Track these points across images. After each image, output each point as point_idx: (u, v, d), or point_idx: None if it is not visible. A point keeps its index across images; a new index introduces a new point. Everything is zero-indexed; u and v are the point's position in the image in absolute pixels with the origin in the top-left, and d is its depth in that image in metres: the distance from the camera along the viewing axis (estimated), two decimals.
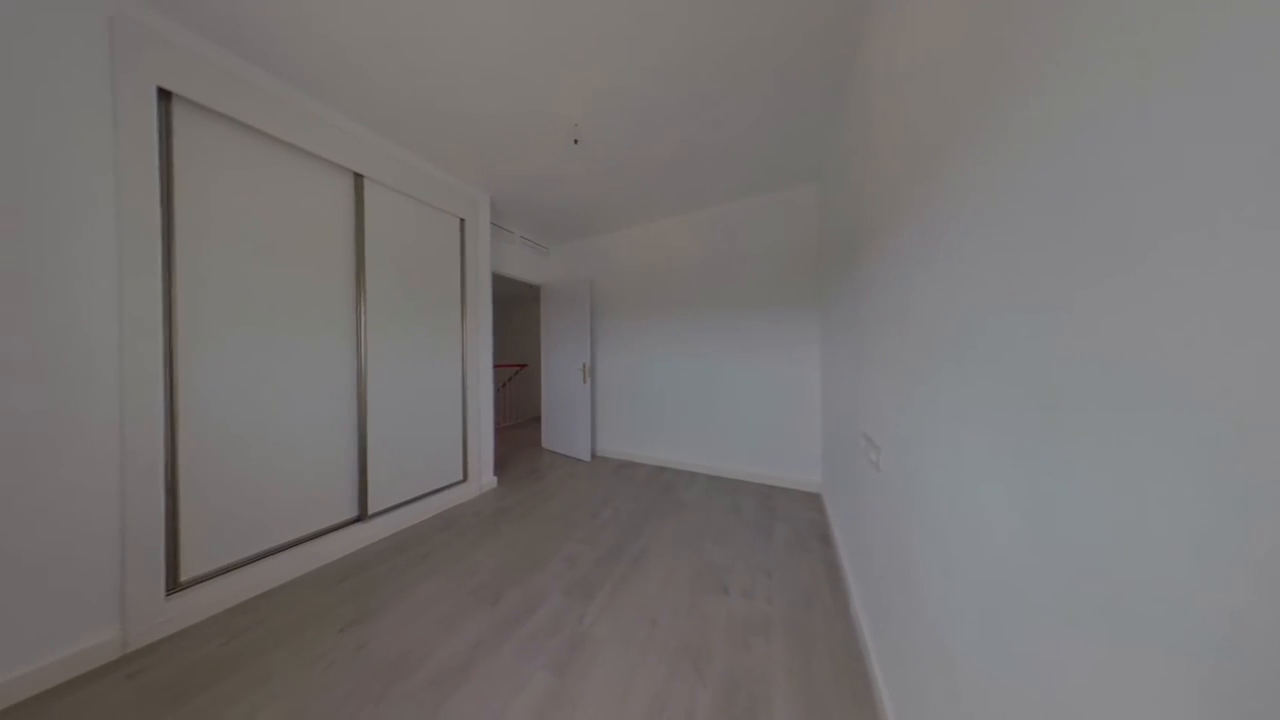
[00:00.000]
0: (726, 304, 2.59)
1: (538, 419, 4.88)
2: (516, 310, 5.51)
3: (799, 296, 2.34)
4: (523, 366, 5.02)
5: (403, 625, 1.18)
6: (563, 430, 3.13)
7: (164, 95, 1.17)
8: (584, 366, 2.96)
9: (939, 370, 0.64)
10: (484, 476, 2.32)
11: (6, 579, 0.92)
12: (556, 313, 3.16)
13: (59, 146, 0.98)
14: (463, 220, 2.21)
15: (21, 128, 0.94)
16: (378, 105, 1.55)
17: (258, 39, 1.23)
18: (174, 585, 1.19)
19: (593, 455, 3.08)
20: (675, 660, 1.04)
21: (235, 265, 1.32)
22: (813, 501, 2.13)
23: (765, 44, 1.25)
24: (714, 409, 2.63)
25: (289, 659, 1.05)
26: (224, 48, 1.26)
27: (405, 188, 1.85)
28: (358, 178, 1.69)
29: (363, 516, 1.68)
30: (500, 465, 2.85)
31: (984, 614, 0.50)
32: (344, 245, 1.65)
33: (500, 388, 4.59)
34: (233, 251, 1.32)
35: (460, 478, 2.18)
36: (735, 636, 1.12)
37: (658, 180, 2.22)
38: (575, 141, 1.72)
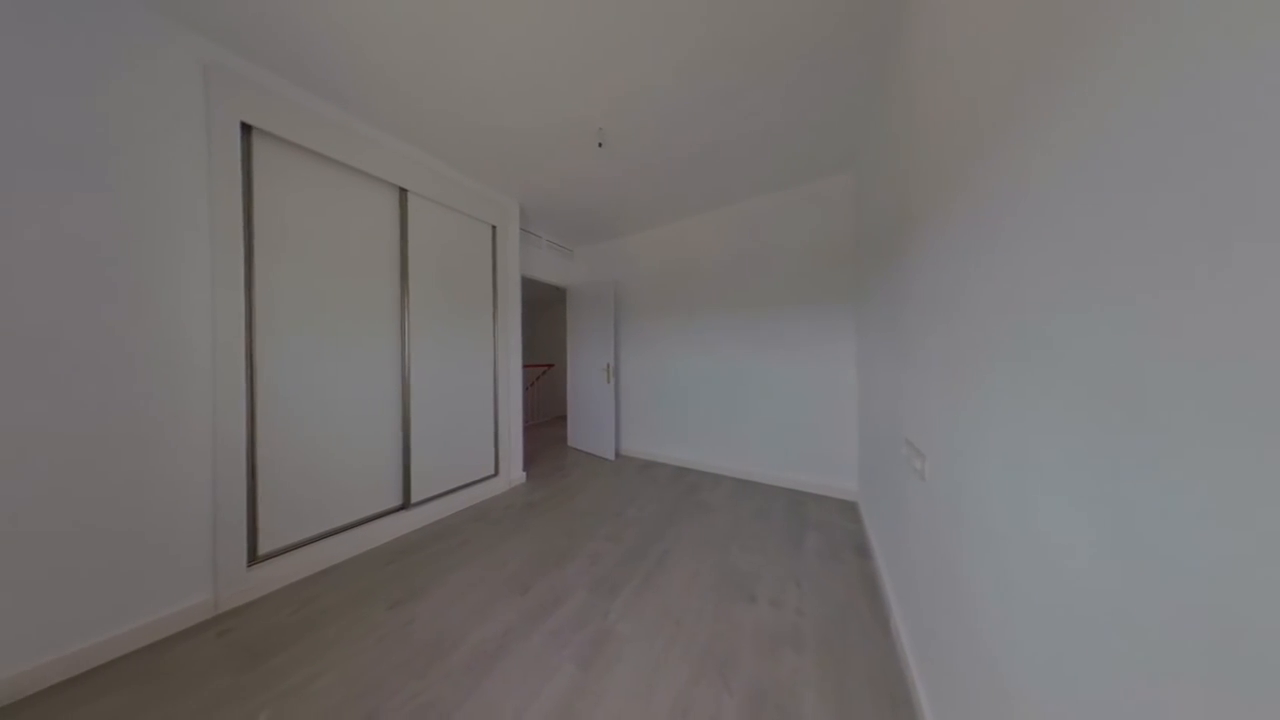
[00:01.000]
0: (753, 303, 2.51)
1: (564, 417, 5.02)
2: (544, 312, 5.69)
3: (831, 293, 2.21)
4: (549, 366, 5.18)
5: (442, 608, 1.26)
6: (588, 429, 3.19)
7: (245, 129, 1.34)
8: (608, 367, 3.00)
9: (996, 370, 0.58)
10: (514, 472, 2.42)
11: (131, 547, 1.09)
12: (581, 314, 3.23)
13: (167, 178, 1.16)
14: (494, 227, 2.32)
15: (141, 164, 1.11)
16: (420, 124, 1.67)
17: (321, 72, 1.37)
18: (253, 558, 1.35)
19: (617, 454, 3.12)
20: (700, 664, 1.02)
21: (301, 277, 1.48)
22: (848, 510, 2.01)
23: (795, 30, 1.20)
24: (740, 410, 2.56)
25: (346, 630, 1.16)
26: (293, 83, 1.41)
27: (443, 199, 1.98)
28: (402, 192, 1.83)
29: (406, 505, 1.82)
30: (528, 461, 2.96)
31: (1049, 646, 0.44)
32: (390, 255, 1.79)
33: (528, 387, 4.77)
34: (299, 264, 1.48)
35: (492, 472, 2.29)
36: (763, 646, 1.08)
37: (682, 179, 2.20)
38: (599, 145, 1.74)
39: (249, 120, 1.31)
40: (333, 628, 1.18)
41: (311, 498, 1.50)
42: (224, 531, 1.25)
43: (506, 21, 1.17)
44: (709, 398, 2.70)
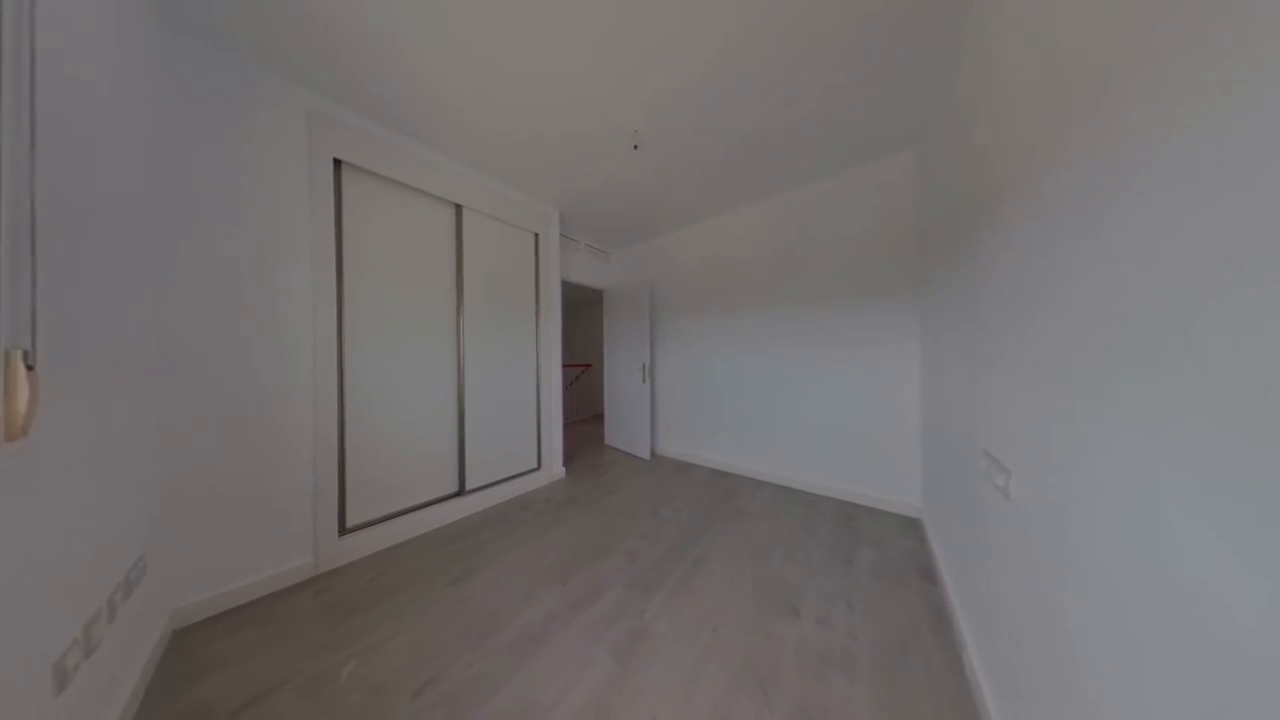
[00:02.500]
0: (797, 299, 2.36)
1: (601, 415, 5.15)
2: (582, 313, 5.89)
3: (889, 286, 2.00)
4: (587, 366, 5.35)
5: (493, 588, 1.36)
6: (624, 428, 3.24)
7: (336, 163, 1.56)
8: (643, 366, 3.01)
9: (1114, 375, 0.48)
10: (554, 466, 2.54)
11: (259, 511, 1.33)
12: (618, 315, 3.29)
13: (281, 209, 1.40)
14: (537, 235, 2.45)
15: (264, 198, 1.36)
16: (472, 144, 1.82)
17: (393, 108, 1.56)
18: (343, 529, 1.57)
19: (652, 454, 3.12)
20: (739, 676, 0.98)
21: (377, 288, 1.70)
22: (908, 527, 1.80)
23: (842, 1, 1.10)
24: (783, 413, 2.42)
25: (413, 600, 1.30)
26: (371, 120, 1.62)
27: (492, 211, 2.14)
28: (458, 208, 2.01)
29: (461, 491, 1.99)
30: (568, 457, 3.08)
31: (1190, 717, 0.35)
32: (447, 265, 1.97)
33: (568, 386, 4.97)
34: (376, 277, 1.69)
35: (535, 466, 2.42)
36: (808, 667, 1.01)
37: (719, 175, 2.14)
38: (635, 147, 1.76)
39: (339, 156, 1.53)
40: (403, 596, 1.33)
41: (385, 481, 1.71)
42: (322, 504, 1.48)
43: (546, 41, 1.23)
44: (748, 399, 2.59)
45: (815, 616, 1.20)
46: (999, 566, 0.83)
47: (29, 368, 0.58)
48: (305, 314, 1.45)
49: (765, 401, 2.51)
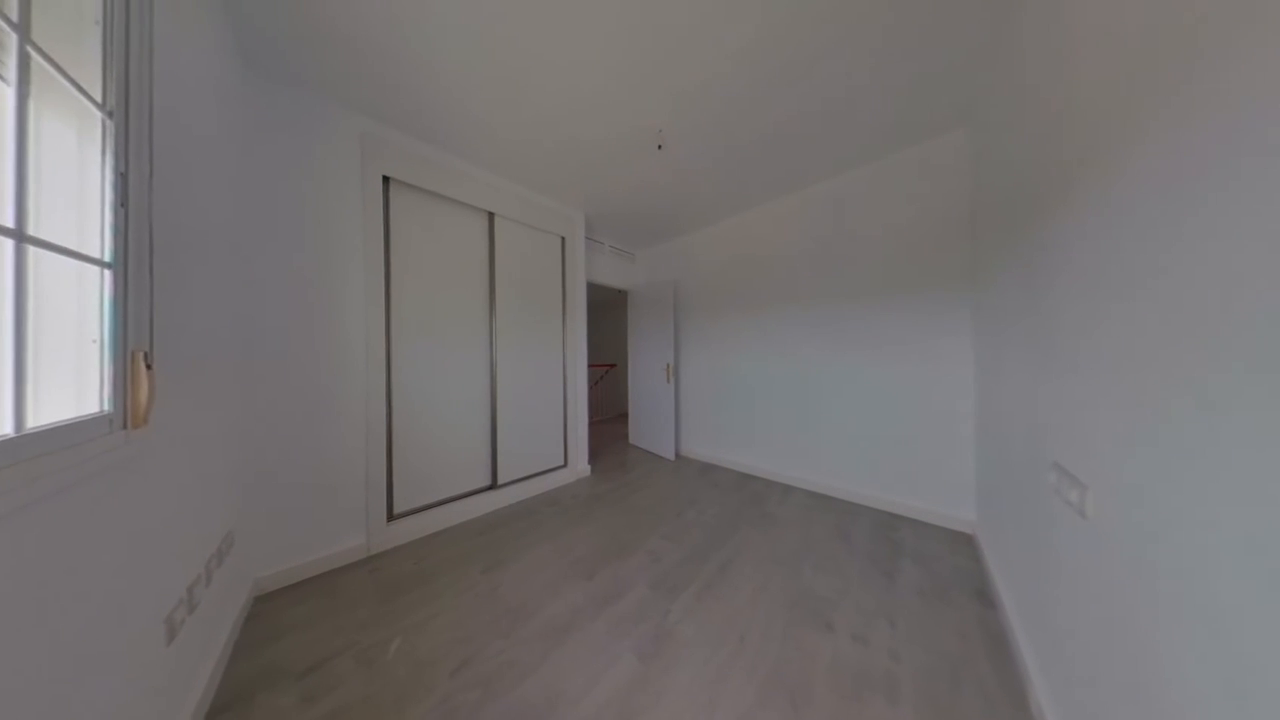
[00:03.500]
0: (832, 295, 2.23)
1: (625, 415, 5.19)
2: (606, 314, 5.97)
3: (937, 279, 1.83)
4: (612, 366, 5.42)
5: (522, 579, 1.42)
6: (648, 428, 3.24)
7: (384, 180, 1.70)
8: (668, 366, 3.00)
9: (1233, 375, 0.41)
10: (580, 464, 2.60)
11: (323, 496, 1.49)
12: (642, 315, 3.30)
13: (338, 223, 1.55)
14: (563, 238, 2.52)
15: (325, 214, 1.51)
16: (503, 154, 1.91)
17: (434, 126, 1.67)
18: (390, 516, 1.71)
19: (676, 455, 3.10)
20: (766, 688, 0.95)
21: (421, 292, 1.83)
22: (960, 542, 1.64)
23: None
24: (816, 415, 2.30)
25: (450, 585, 1.39)
26: (415, 138, 1.76)
27: (521, 217, 2.23)
28: (490, 215, 2.11)
29: (493, 485, 2.10)
30: (593, 456, 3.13)
31: None
32: (481, 270, 2.09)
33: (593, 385, 5.06)
34: (418, 283, 1.83)
35: (561, 463, 2.49)
36: (843, 685, 0.95)
37: (747, 169, 2.07)
38: (659, 148, 1.75)
39: (388, 173, 1.67)
40: (442, 580, 1.42)
41: (427, 472, 1.84)
42: (373, 491, 1.62)
43: (571, 50, 1.26)
44: (778, 400, 2.49)
45: (851, 632, 1.12)
46: (1072, 594, 0.74)
47: (148, 367, 0.69)
48: (358, 318, 1.60)
49: (796, 402, 2.40)
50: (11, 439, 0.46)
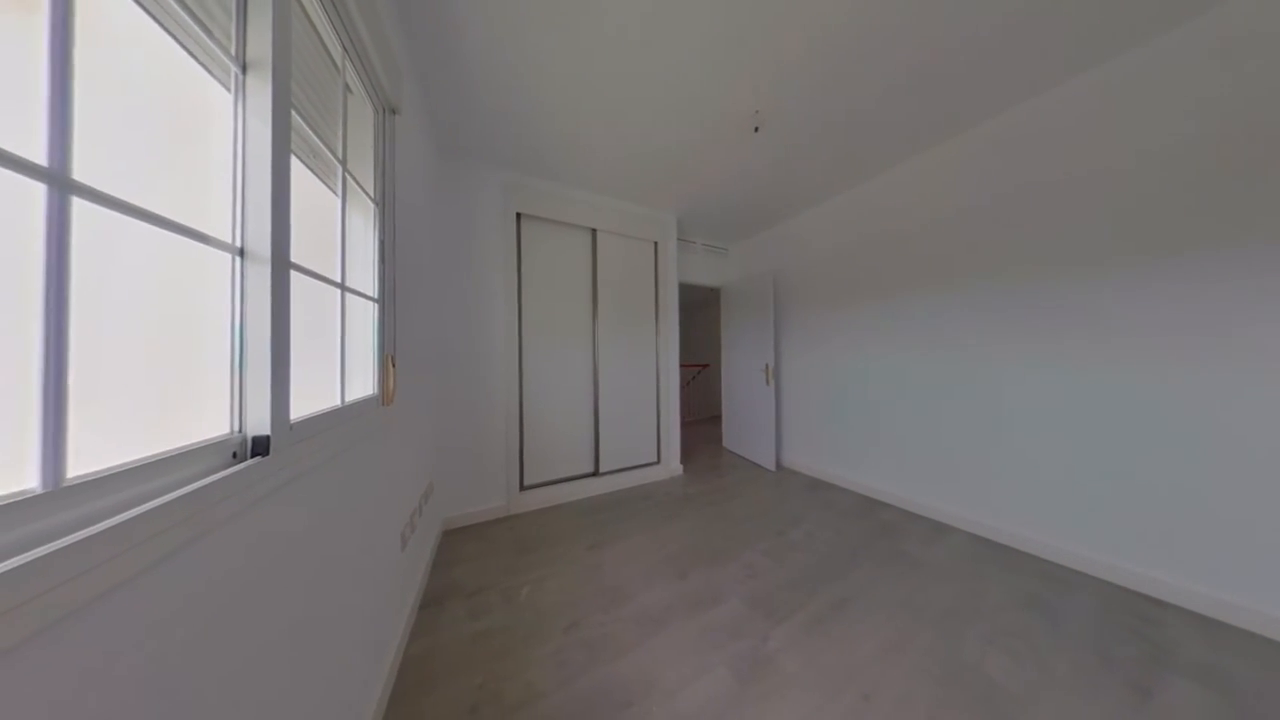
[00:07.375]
0: (1004, 268, 1.63)
1: (717, 417, 4.99)
2: (698, 313, 5.88)
3: (1248, 225, 1.11)
4: (704, 366, 5.30)
5: (620, 563, 1.54)
6: (743, 433, 3.04)
7: (517, 216, 2.12)
8: (767, 367, 2.74)
9: None
10: (672, 463, 2.64)
11: (480, 465, 1.97)
12: (736, 312, 3.12)
13: (486, 253, 2.02)
14: (656, 243, 2.62)
15: (479, 248, 1.99)
16: (604, 176, 2.12)
17: (552, 164, 2.00)
18: (522, 486, 2.12)
19: (778, 465, 2.80)
20: None
21: (541, 303, 2.21)
22: None
23: None
24: (984, 432, 1.72)
25: (561, 555, 1.63)
26: (538, 177, 2.13)
27: (619, 229, 2.42)
28: (593, 232, 2.37)
29: (596, 472, 2.34)
30: (685, 456, 3.13)
31: None
32: (585, 280, 2.36)
33: (684, 386, 5.06)
34: (540, 294, 2.20)
35: (655, 460, 2.59)
36: None
37: (862, 132, 1.73)
38: (755, 130, 1.62)
39: (520, 210, 2.08)
40: (557, 548, 1.67)
41: (547, 453, 2.21)
42: (510, 464, 2.04)
43: (664, 54, 1.29)
44: (919, 408, 1.97)
45: None
46: None
47: (393, 365, 1.04)
48: (501, 326, 2.05)
49: (948, 412, 1.84)
50: (339, 408, 0.78)
